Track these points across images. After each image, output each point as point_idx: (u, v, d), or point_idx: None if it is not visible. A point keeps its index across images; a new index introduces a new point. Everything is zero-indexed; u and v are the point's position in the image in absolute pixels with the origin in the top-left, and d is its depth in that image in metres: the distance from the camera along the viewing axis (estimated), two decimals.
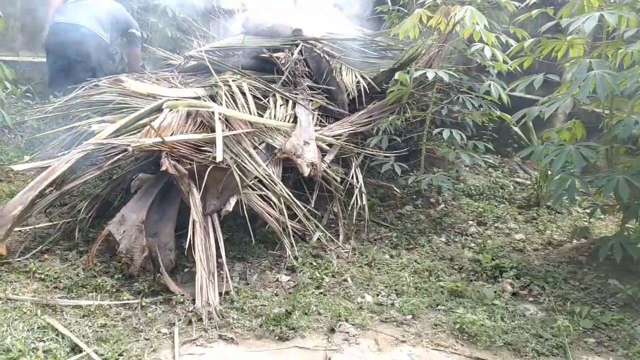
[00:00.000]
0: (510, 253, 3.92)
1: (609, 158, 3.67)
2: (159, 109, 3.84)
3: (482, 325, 2.94)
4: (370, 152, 4.33)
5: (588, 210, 3.95)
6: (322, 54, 4.53)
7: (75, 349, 2.52)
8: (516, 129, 5.11)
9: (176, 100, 3.68)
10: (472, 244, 4.05)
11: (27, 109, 5.24)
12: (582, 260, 3.77)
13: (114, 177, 3.96)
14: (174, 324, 2.80)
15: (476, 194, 4.92)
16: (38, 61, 5.89)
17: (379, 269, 3.60)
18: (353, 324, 2.95)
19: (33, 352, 2.44)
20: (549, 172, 4.11)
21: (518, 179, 5.43)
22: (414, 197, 4.63)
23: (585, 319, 3.11)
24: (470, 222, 4.42)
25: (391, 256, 3.79)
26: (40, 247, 3.34)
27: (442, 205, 4.57)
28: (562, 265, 3.72)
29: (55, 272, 3.10)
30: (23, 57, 5.80)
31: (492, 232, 4.31)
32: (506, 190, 5.09)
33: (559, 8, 3.73)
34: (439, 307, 3.19)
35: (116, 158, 3.57)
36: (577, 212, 4.66)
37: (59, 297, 2.90)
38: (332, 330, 2.88)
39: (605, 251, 3.45)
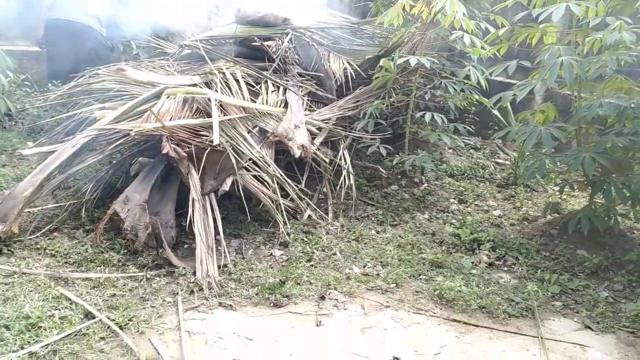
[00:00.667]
0: (488, 228, 4.20)
1: (577, 138, 3.95)
2: (157, 96, 4.06)
3: (459, 291, 3.23)
4: (357, 135, 4.58)
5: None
6: (310, 42, 4.76)
7: (88, 315, 2.77)
8: (495, 111, 5.38)
9: (175, 87, 3.90)
10: (453, 220, 4.32)
11: (26, 97, 5.43)
12: (554, 233, 4.06)
13: (114, 162, 4.18)
14: (177, 293, 3.06)
15: (458, 174, 5.19)
16: (34, 50, 6.04)
17: (365, 243, 3.87)
18: (341, 292, 3.22)
19: (50, 318, 2.69)
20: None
21: (498, 160, 5.71)
22: (399, 177, 4.89)
23: (554, 285, 3.41)
24: (452, 200, 4.70)
25: (377, 232, 4.06)
26: (49, 226, 3.56)
27: (425, 185, 4.84)
28: (535, 238, 4.01)
29: (65, 249, 3.34)
30: (20, 47, 5.95)
31: (472, 209, 4.59)
32: (487, 171, 5.36)
33: None
34: (420, 276, 3.47)
35: (117, 143, 3.79)
36: (552, 190, 4.95)
37: (69, 271, 3.15)
38: (322, 298, 3.16)
39: (574, 224, 3.75)
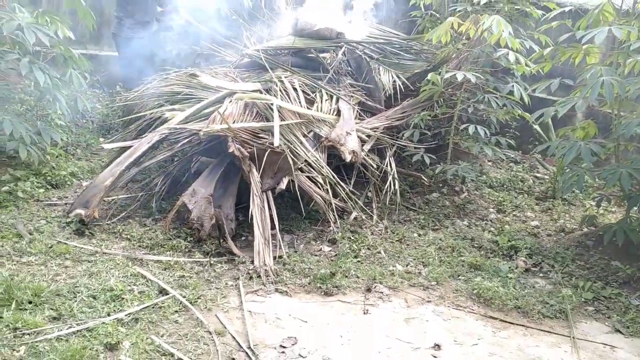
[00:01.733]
0: (525, 237, 4.41)
1: (616, 154, 4.14)
2: (220, 100, 4.43)
3: (496, 291, 3.47)
4: (403, 144, 4.86)
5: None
6: (362, 56, 5.08)
7: (162, 292, 3.13)
8: (536, 127, 5.58)
9: (243, 92, 4.27)
10: (492, 228, 4.55)
11: (97, 97, 5.91)
12: (589, 244, 4.25)
13: (176, 160, 4.56)
14: (238, 278, 3.40)
15: (497, 185, 5.41)
16: (103, 54, 6.55)
17: (408, 244, 4.14)
18: (386, 286, 3.50)
19: (130, 292, 3.05)
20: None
21: (537, 174, 5.90)
22: (440, 185, 5.15)
23: (588, 291, 3.61)
24: (491, 210, 4.92)
25: (419, 235, 4.33)
26: (123, 213, 3.96)
27: (466, 194, 5.08)
28: (571, 248, 4.20)
29: (138, 234, 3.72)
30: (91, 50, 6.44)
31: (510, 219, 4.81)
32: (525, 184, 5.56)
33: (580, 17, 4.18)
34: (459, 276, 3.72)
35: (185, 141, 4.17)
36: (589, 203, 5.12)
37: (143, 253, 3.52)
38: (369, 290, 3.44)
39: (609, 236, 3.94)
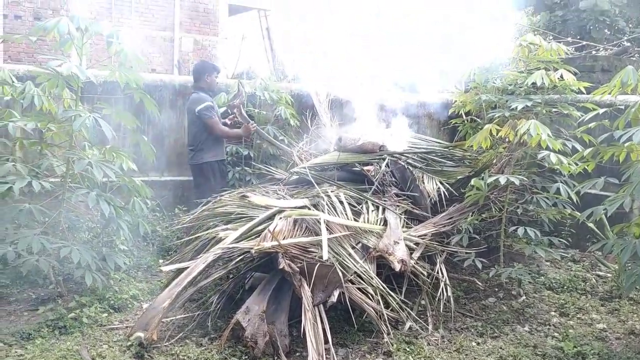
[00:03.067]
0: (592, 341, 4.19)
1: None
2: (270, 217, 4.63)
3: None
4: (453, 250, 4.86)
5: None
6: (405, 165, 5.26)
7: None
8: (590, 224, 5.47)
9: (290, 210, 4.46)
10: (555, 333, 4.36)
11: (157, 220, 6.27)
12: None
13: (230, 277, 4.70)
14: None
15: (557, 286, 5.23)
16: (163, 180, 7.01)
17: (466, 354, 4.01)
18: None
19: None
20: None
21: (599, 272, 5.68)
22: (496, 289, 5.03)
23: None
24: (553, 313, 4.73)
25: (477, 343, 4.19)
26: (180, 334, 4.06)
27: (524, 297, 4.93)
28: None
29: (195, 355, 3.78)
30: (152, 177, 6.93)
31: (575, 322, 4.60)
32: (588, 283, 5.35)
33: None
34: None
35: (238, 259, 4.33)
36: None
37: None
38: None
39: None
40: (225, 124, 5.96)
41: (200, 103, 5.63)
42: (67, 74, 4.13)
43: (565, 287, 5.24)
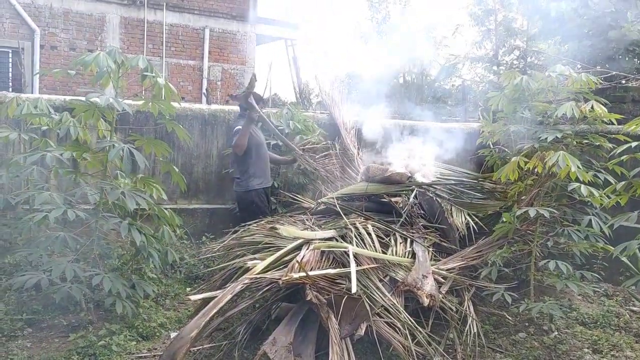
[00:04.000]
0: None
1: None
2: (298, 248, 4.65)
3: None
4: (482, 284, 4.79)
5: None
6: (434, 197, 5.24)
7: None
8: (623, 258, 5.33)
9: (320, 241, 4.48)
10: None
11: (185, 248, 6.34)
12: None
13: (257, 307, 4.71)
14: None
15: (590, 322, 5.10)
16: (192, 207, 7.10)
17: None
18: None
19: None
20: None
21: (633, 308, 5.53)
22: (527, 324, 4.93)
23: None
24: (586, 350, 4.61)
25: None
26: None
27: (556, 333, 4.81)
28: None
29: None
30: (181, 205, 7.03)
31: (608, 359, 4.47)
32: (621, 319, 5.20)
33: None
34: None
35: (265, 289, 4.34)
36: None
37: None
38: None
39: None
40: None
41: (234, 135, 5.73)
42: (105, 105, 4.26)
43: (598, 322, 5.10)
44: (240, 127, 5.70)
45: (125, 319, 4.54)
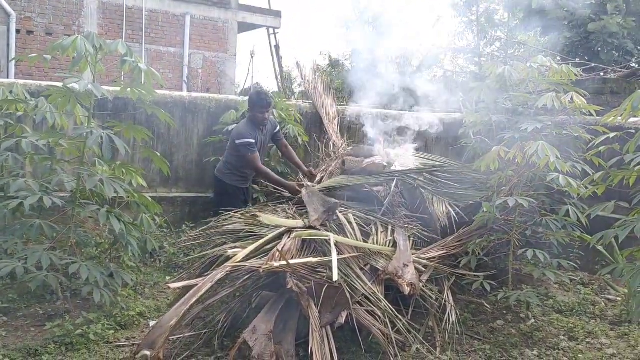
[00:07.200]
0: None
1: None
2: (279, 237, 4.63)
3: None
4: (461, 273, 4.83)
5: None
6: (415, 186, 5.26)
7: None
8: (600, 247, 5.43)
9: (300, 230, 4.46)
10: (564, 358, 4.31)
11: (164, 236, 6.28)
12: None
13: (237, 295, 4.69)
14: None
15: (566, 310, 5.18)
16: (172, 196, 7.03)
17: None
18: None
19: None
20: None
21: (609, 296, 5.63)
22: (504, 312, 4.99)
23: None
24: (562, 337, 4.69)
25: None
26: (187, 353, 4.05)
27: (533, 321, 4.88)
28: None
29: None
30: (160, 193, 6.95)
31: (584, 347, 4.55)
32: (597, 307, 5.30)
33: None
34: None
35: (246, 278, 4.32)
36: None
37: None
38: None
39: None
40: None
41: (240, 138, 5.70)
42: (83, 91, 4.17)
43: (574, 310, 5.19)
44: (251, 140, 5.68)
45: (103, 308, 4.49)
